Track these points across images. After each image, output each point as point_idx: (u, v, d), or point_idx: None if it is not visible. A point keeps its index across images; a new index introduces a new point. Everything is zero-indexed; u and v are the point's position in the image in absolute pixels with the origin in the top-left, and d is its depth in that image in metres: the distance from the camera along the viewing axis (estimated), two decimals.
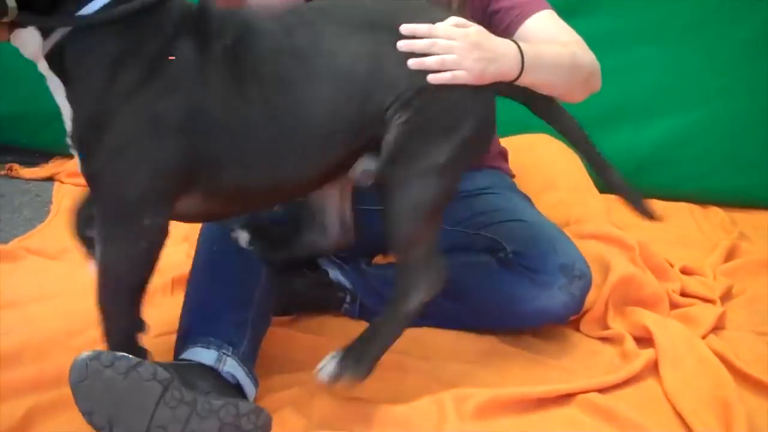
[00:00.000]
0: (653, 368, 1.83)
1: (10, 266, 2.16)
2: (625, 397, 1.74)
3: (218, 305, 1.67)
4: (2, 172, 2.97)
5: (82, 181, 2.76)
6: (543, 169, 2.45)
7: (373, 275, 2.00)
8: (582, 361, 1.88)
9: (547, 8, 1.92)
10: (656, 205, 2.84)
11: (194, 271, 1.75)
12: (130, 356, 1.45)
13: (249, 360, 1.64)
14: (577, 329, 2.01)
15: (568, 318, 1.94)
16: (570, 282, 1.86)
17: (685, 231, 2.72)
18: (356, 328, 1.80)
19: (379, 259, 2.11)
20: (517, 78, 1.63)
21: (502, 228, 1.95)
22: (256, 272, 1.74)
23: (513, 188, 2.17)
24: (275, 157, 1.51)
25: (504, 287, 1.88)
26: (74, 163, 2.87)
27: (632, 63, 2.87)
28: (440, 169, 1.55)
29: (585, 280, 1.89)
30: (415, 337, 1.87)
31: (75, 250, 2.23)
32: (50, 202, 2.71)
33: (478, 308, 1.90)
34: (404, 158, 1.53)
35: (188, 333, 1.65)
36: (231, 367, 1.59)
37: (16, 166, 2.99)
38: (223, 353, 1.60)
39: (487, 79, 1.57)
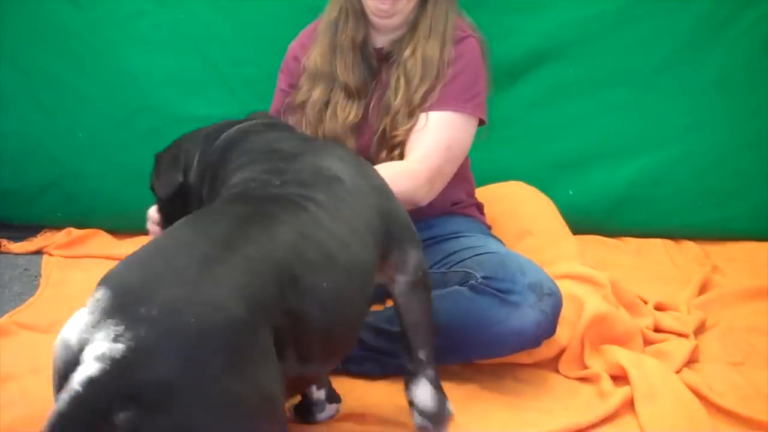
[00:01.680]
0: (630, 405, 1.89)
1: (3, 341, 2.20)
2: None
3: None
4: None
5: (69, 252, 2.86)
6: (517, 217, 2.52)
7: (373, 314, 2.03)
8: (561, 402, 1.94)
9: (453, 111, 2.06)
10: (631, 242, 2.96)
11: None
12: None
13: None
14: (556, 370, 2.07)
15: (541, 339, 1.96)
16: (540, 299, 1.90)
17: (660, 266, 2.79)
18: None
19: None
20: None
21: (472, 261, 2.01)
22: None
23: (485, 232, 2.25)
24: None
25: (475, 310, 1.91)
26: (62, 235, 2.97)
27: (603, 106, 2.96)
28: None
29: (555, 298, 1.93)
30: (398, 386, 1.91)
31: (65, 322, 2.29)
32: (39, 275, 2.75)
33: (453, 338, 1.91)
34: None
35: None
36: None
37: (5, 241, 3.03)
38: None
39: None
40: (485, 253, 2.03)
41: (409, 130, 2.07)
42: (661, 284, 2.58)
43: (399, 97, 2.08)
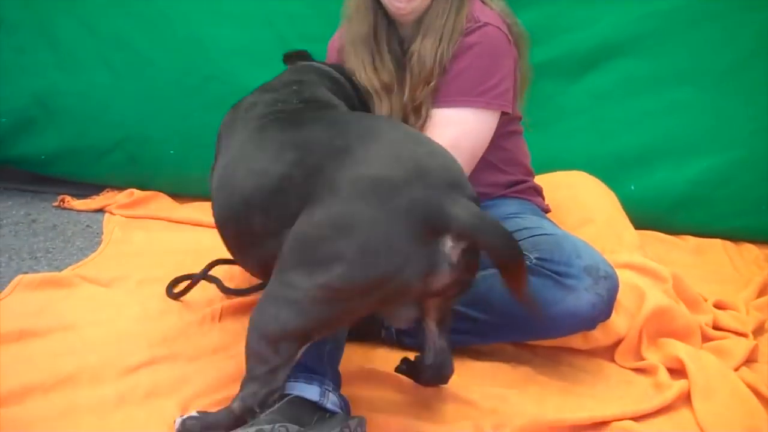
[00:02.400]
0: (686, 399, 1.87)
1: (66, 292, 2.25)
2: (658, 425, 1.79)
3: None
4: (55, 204, 3.08)
5: (130, 212, 2.91)
6: (579, 205, 2.50)
7: None
8: (616, 391, 1.93)
9: (463, 107, 2.05)
10: (691, 241, 2.93)
11: None
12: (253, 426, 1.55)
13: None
14: (612, 360, 2.06)
15: (597, 321, 1.94)
16: (596, 282, 1.89)
17: (719, 267, 2.76)
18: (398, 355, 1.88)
19: None
20: None
21: (527, 242, 1.98)
22: None
23: (540, 214, 2.23)
24: None
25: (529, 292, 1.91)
26: (124, 196, 3.02)
27: (671, 104, 2.93)
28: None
29: (611, 281, 1.91)
30: (455, 366, 1.93)
31: (126, 279, 2.35)
32: (101, 232, 2.81)
33: (507, 318, 1.92)
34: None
35: None
36: (332, 403, 1.65)
37: (68, 197, 3.10)
38: (326, 389, 1.66)
39: None
40: (541, 234, 2.01)
41: (420, 127, 2.07)
42: (720, 284, 2.55)
43: (406, 95, 2.09)
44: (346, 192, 1.50)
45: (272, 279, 1.58)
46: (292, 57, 2.19)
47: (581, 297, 1.88)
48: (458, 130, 2.04)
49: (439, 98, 2.07)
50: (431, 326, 1.69)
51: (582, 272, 1.90)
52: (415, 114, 2.09)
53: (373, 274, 1.48)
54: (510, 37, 2.11)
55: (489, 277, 1.88)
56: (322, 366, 1.69)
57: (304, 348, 1.58)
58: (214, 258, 2.25)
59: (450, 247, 1.50)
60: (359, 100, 2.08)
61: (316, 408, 1.63)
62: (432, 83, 2.06)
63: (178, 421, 1.62)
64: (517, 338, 2.04)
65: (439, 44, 2.05)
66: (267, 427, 1.54)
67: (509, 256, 1.51)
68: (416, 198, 1.48)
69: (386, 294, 1.51)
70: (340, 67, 2.13)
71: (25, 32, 3.11)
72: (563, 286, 1.89)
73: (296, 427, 1.57)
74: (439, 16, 2.06)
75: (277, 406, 1.60)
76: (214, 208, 1.81)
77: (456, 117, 2.06)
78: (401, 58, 2.15)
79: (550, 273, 1.90)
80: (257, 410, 1.57)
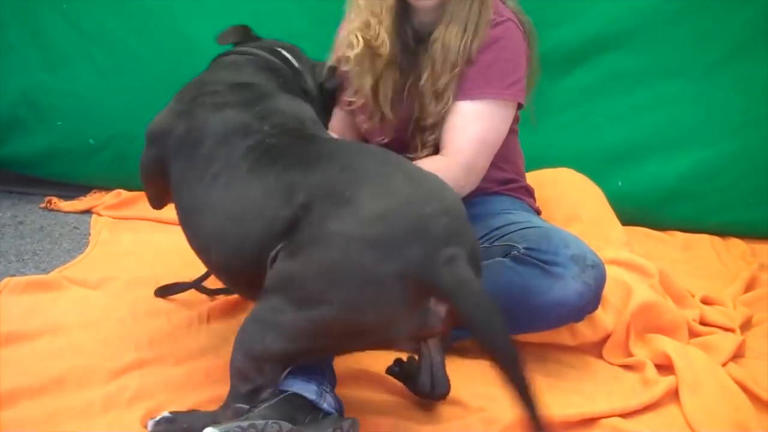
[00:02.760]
0: (674, 394, 1.88)
1: (54, 295, 2.24)
2: (646, 422, 1.79)
3: None
4: (42, 205, 3.07)
5: (118, 213, 2.90)
6: (566, 202, 2.51)
7: None
8: (604, 387, 1.93)
9: (490, 98, 2.05)
10: (678, 236, 2.94)
11: None
12: (254, 421, 1.54)
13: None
14: (599, 356, 2.06)
15: (585, 311, 1.95)
16: (583, 270, 1.89)
17: (706, 262, 2.78)
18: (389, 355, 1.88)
19: None
20: None
21: (516, 234, 2.00)
22: None
23: (529, 210, 2.24)
24: None
25: (517, 280, 1.90)
26: (112, 196, 3.01)
27: (659, 97, 2.95)
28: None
29: (598, 270, 1.91)
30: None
31: (113, 280, 2.34)
32: (88, 234, 2.80)
33: None
34: None
35: None
36: (328, 404, 1.65)
37: (55, 199, 3.09)
38: (323, 389, 1.66)
39: None
40: (529, 227, 2.03)
41: (440, 113, 2.07)
42: (707, 280, 2.56)
43: (424, 79, 2.08)
44: (342, 241, 1.49)
45: (260, 301, 1.58)
46: (229, 35, 2.14)
47: (568, 285, 1.89)
48: (485, 124, 2.05)
49: (464, 90, 2.06)
50: (430, 351, 1.71)
51: (569, 261, 1.90)
52: (436, 99, 2.07)
53: (359, 325, 1.50)
54: (524, 34, 2.13)
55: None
56: (320, 365, 1.69)
57: (287, 370, 1.59)
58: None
59: (437, 304, 1.52)
60: (319, 90, 2.07)
61: (312, 407, 1.63)
62: (458, 69, 2.05)
63: (151, 423, 1.64)
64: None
65: (464, 33, 2.05)
66: (260, 422, 1.54)
67: (487, 327, 1.49)
68: (411, 259, 1.46)
69: (374, 342, 1.55)
70: (279, 52, 2.07)
71: (12, 30, 3.11)
72: (550, 274, 1.89)
73: (289, 425, 1.57)
74: (464, 6, 2.05)
75: (272, 401, 1.60)
76: (213, 253, 1.74)
77: (483, 110, 2.05)
78: (413, 46, 2.13)
79: (537, 262, 1.91)
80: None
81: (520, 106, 2.14)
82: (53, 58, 3.11)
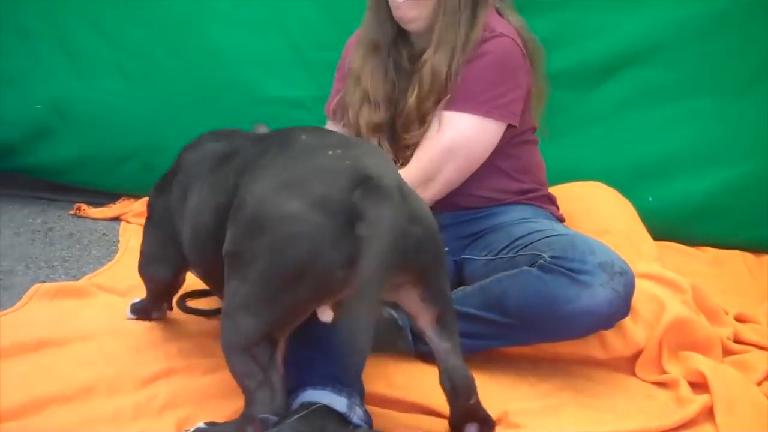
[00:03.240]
0: (709, 414, 1.84)
1: (83, 301, 2.25)
2: None
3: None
4: (71, 212, 3.08)
5: None
6: (596, 215, 2.48)
7: None
8: (636, 404, 1.90)
9: (465, 111, 2.06)
10: (709, 252, 2.90)
11: None
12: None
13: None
14: (631, 373, 2.04)
15: (614, 319, 1.92)
16: (611, 278, 1.86)
17: (738, 278, 2.74)
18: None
19: None
20: None
21: (541, 243, 1.98)
22: None
23: (551, 218, 2.23)
24: None
25: (544, 290, 1.87)
26: (140, 204, 3.02)
27: (689, 113, 2.91)
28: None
29: (627, 277, 1.89)
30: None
31: (142, 288, 2.35)
32: (117, 241, 2.81)
33: (523, 319, 1.90)
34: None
35: (310, 369, 1.70)
36: (358, 417, 1.65)
37: (84, 206, 3.10)
38: (353, 402, 1.65)
39: None
40: (554, 235, 2.01)
41: (422, 134, 2.09)
42: (739, 296, 2.52)
43: (411, 100, 2.09)
44: (254, 198, 1.56)
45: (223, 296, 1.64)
46: None
47: (597, 293, 1.86)
48: (456, 133, 2.07)
49: (447, 101, 2.08)
50: (434, 340, 1.66)
51: (597, 268, 1.87)
52: (420, 122, 2.10)
53: (290, 265, 1.51)
54: (524, 51, 2.11)
55: (503, 279, 1.93)
56: (349, 377, 1.69)
57: (280, 347, 1.60)
58: None
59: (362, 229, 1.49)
60: None
61: (342, 420, 1.62)
62: (447, 97, 2.07)
63: None
64: (535, 339, 2.00)
65: (453, 57, 2.06)
66: None
67: (366, 274, 1.43)
68: (317, 193, 1.51)
69: (316, 283, 1.52)
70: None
71: (42, 40, 3.14)
72: (578, 282, 1.87)
73: None
74: (451, 28, 2.06)
75: (303, 413, 1.59)
76: (192, 258, 1.86)
77: (457, 120, 2.07)
78: (407, 67, 2.16)
79: (564, 270, 1.88)
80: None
81: (510, 125, 2.12)
82: (83, 67, 3.13)
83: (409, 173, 2.00)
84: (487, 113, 2.07)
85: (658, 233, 2.72)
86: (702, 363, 1.97)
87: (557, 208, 2.32)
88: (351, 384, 1.68)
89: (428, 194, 2.04)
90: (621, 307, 1.90)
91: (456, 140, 2.07)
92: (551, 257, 1.91)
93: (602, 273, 1.87)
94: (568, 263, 1.88)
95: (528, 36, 2.15)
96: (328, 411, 1.62)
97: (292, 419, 1.58)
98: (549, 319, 1.89)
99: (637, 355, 2.04)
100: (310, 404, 1.62)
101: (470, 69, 2.06)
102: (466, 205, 2.17)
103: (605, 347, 2.03)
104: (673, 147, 2.93)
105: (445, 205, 2.13)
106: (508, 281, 1.93)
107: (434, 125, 2.08)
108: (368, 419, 1.68)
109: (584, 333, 1.96)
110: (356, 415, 1.64)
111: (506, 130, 2.12)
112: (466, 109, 2.07)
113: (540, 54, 2.18)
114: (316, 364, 1.69)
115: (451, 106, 2.07)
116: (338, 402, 1.63)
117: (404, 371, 1.97)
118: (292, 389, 1.67)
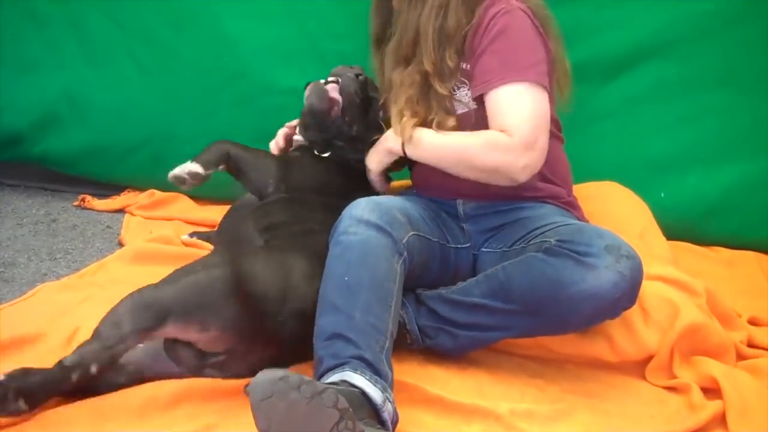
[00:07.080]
0: (721, 420, 1.81)
1: (84, 294, 2.21)
2: None
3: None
4: (75, 203, 3.05)
5: (151, 213, 2.88)
6: (610, 216, 2.41)
7: (428, 296, 2.03)
8: (647, 409, 1.87)
9: (519, 81, 2.00)
10: (723, 252, 2.85)
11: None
12: (315, 382, 1.52)
13: None
14: (642, 378, 2.00)
15: (620, 305, 1.87)
16: (617, 260, 1.82)
17: (752, 280, 2.68)
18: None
19: None
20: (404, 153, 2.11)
21: (550, 232, 1.95)
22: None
23: (569, 216, 2.18)
24: None
25: (549, 272, 1.84)
26: (145, 196, 2.99)
27: (703, 108, 2.85)
28: None
29: (633, 261, 1.84)
30: (479, 387, 1.90)
31: (141, 280, 2.32)
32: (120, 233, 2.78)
33: (527, 303, 1.87)
34: None
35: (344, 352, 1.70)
36: (388, 413, 1.64)
37: (88, 197, 3.07)
38: (387, 397, 1.65)
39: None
40: (564, 224, 1.98)
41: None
42: (753, 298, 2.47)
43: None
44: None
45: None
46: None
47: (602, 275, 1.81)
48: (527, 102, 2.00)
49: (488, 81, 2.02)
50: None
51: (602, 251, 1.83)
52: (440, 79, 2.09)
53: None
54: (536, 25, 2.07)
55: (508, 266, 1.90)
56: (384, 368, 1.69)
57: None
58: None
59: None
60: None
61: (372, 411, 1.61)
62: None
63: None
64: (540, 327, 1.94)
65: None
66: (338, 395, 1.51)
67: None
68: None
69: None
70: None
71: (55, 27, 3.10)
72: (583, 264, 1.82)
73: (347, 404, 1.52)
74: None
75: (340, 388, 1.58)
76: None
77: (518, 92, 2.00)
78: None
79: (570, 252, 1.84)
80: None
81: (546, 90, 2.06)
82: (95, 55, 3.09)
83: (513, 145, 1.95)
84: (534, 77, 2.01)
85: (671, 231, 2.68)
86: (715, 368, 1.93)
87: (580, 212, 2.26)
88: (385, 376, 1.69)
89: (531, 167, 2.00)
90: (626, 292, 1.84)
91: (532, 107, 1.99)
92: (557, 240, 1.88)
93: (608, 255, 1.83)
94: (574, 246, 1.85)
95: (545, 13, 2.13)
96: (364, 398, 1.62)
97: (330, 390, 1.53)
98: (553, 301, 1.84)
99: (647, 359, 2.00)
100: (349, 384, 1.62)
101: (499, 44, 2.02)
102: (494, 193, 2.11)
103: (615, 349, 2.00)
104: (686, 142, 2.87)
105: (476, 191, 2.09)
106: (513, 267, 1.89)
107: (490, 101, 2.02)
108: (396, 418, 1.67)
109: (590, 318, 1.90)
110: (386, 411, 1.64)
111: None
112: (517, 79, 2.00)
113: (557, 32, 2.15)
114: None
115: (498, 83, 2.00)
116: (374, 391, 1.63)
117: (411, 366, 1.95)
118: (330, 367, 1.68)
